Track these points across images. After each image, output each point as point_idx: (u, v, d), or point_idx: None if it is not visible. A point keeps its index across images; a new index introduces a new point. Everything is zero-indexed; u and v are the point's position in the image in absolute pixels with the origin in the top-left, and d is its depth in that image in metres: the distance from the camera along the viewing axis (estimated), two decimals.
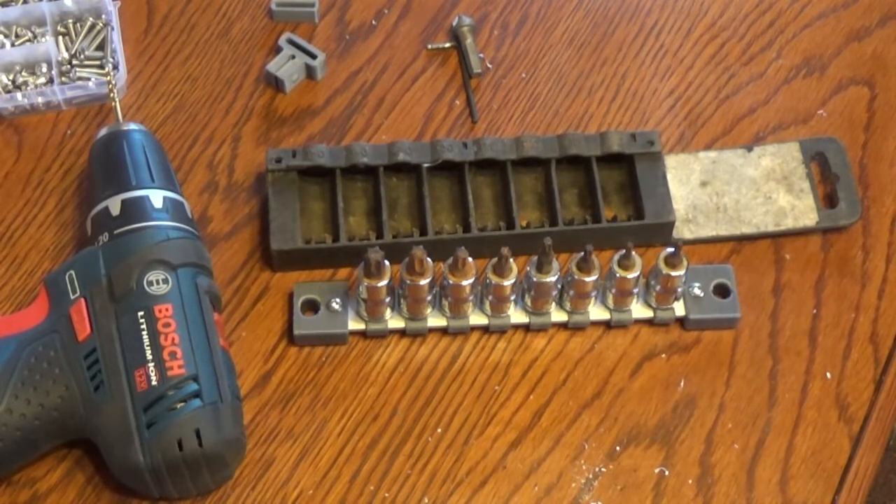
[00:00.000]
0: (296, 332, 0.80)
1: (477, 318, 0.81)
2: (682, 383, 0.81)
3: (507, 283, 0.78)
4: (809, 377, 0.81)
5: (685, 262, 0.79)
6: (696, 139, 0.90)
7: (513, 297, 0.80)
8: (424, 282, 0.78)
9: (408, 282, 0.78)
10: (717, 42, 0.96)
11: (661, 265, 0.79)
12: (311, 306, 0.81)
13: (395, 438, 0.78)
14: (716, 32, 0.96)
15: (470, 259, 0.78)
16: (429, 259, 0.77)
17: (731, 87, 0.93)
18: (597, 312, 0.81)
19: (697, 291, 0.82)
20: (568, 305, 0.81)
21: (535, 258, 0.79)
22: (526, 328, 0.82)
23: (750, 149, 0.89)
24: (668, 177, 0.86)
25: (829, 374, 0.81)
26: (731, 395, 0.80)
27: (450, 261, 0.78)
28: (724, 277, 0.83)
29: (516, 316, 0.81)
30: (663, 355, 0.82)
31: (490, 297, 0.80)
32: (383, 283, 0.78)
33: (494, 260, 0.78)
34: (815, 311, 0.84)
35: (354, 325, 0.80)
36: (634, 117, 0.92)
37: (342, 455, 0.78)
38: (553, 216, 0.85)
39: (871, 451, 0.79)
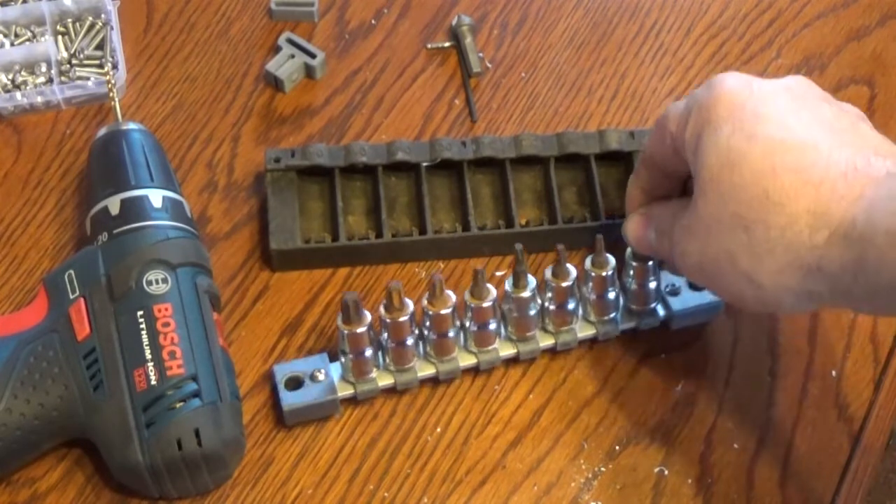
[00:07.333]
0: (284, 408, 0.76)
1: (465, 359, 0.79)
2: (681, 382, 0.80)
3: (487, 304, 0.76)
4: (809, 376, 0.81)
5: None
6: None
7: (494, 327, 0.78)
8: (405, 318, 0.75)
9: (388, 321, 0.75)
10: (717, 41, 0.96)
11: (630, 260, 0.78)
12: (295, 382, 0.78)
13: (395, 437, 0.78)
14: (715, 32, 0.96)
15: (448, 292, 0.75)
16: (407, 300, 0.75)
17: None
18: (582, 329, 0.80)
19: (676, 286, 0.80)
20: (551, 326, 0.79)
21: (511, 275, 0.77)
22: (515, 359, 0.80)
23: None
24: None
25: (834, 373, 0.81)
26: (730, 395, 0.80)
27: (428, 292, 0.76)
28: None
29: (503, 348, 0.79)
30: (663, 354, 0.81)
31: (473, 326, 0.77)
32: (363, 328, 0.75)
33: (471, 284, 0.76)
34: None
35: (342, 391, 0.77)
36: (634, 116, 0.92)
37: (342, 454, 0.77)
38: (552, 214, 0.85)
39: (870, 451, 0.79)
